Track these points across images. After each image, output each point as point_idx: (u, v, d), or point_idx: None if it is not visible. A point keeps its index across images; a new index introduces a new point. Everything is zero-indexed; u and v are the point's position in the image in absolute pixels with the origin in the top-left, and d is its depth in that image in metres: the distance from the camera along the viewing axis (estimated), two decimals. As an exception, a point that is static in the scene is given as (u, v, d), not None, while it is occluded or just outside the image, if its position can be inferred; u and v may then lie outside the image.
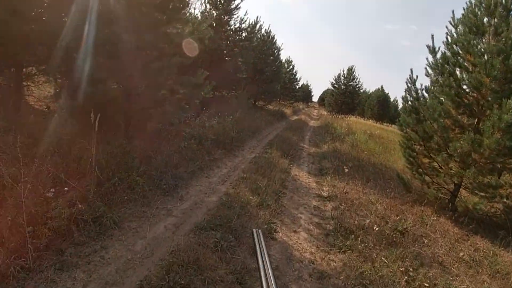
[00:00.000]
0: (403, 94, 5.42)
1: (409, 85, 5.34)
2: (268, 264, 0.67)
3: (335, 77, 26.86)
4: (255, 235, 0.77)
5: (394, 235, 3.68)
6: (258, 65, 15.35)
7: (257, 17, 15.93)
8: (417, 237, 3.76)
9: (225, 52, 9.86)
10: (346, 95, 26.20)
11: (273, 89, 17.36)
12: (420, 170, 5.21)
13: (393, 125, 36.40)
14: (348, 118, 26.08)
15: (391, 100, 44.01)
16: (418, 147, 5.24)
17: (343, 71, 26.58)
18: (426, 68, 5.26)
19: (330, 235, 3.61)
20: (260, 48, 15.40)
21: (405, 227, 3.94)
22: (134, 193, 3.43)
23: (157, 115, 4.94)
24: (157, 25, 4.43)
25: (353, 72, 26.27)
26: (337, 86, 26.78)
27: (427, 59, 5.21)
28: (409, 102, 5.35)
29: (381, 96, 41.50)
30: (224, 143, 6.23)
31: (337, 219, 3.97)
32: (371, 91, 43.70)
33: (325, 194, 5.13)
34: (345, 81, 26.38)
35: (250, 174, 5.11)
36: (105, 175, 3.27)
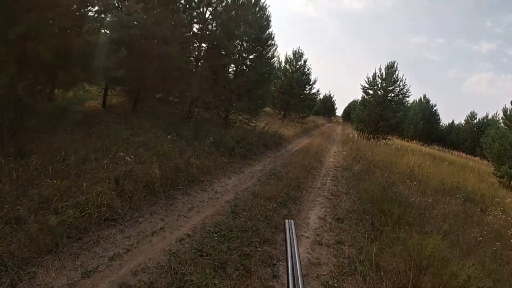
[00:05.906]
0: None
1: None
2: (296, 255, 0.65)
3: (367, 79, 17.90)
4: (287, 225, 0.76)
5: None
6: (211, 40, 7.13)
7: None
8: None
9: None
10: (385, 106, 17.10)
11: (255, 91, 8.94)
12: None
13: (480, 158, 18.73)
14: (391, 141, 16.93)
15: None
16: None
17: (380, 70, 17.58)
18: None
19: None
20: (224, 12, 7.19)
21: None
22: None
23: None
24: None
25: (396, 71, 17.15)
26: (371, 92, 17.72)
27: None
28: None
29: (427, 109, 31.24)
30: None
31: None
32: (408, 103, 33.90)
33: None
34: (383, 85, 17.30)
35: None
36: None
